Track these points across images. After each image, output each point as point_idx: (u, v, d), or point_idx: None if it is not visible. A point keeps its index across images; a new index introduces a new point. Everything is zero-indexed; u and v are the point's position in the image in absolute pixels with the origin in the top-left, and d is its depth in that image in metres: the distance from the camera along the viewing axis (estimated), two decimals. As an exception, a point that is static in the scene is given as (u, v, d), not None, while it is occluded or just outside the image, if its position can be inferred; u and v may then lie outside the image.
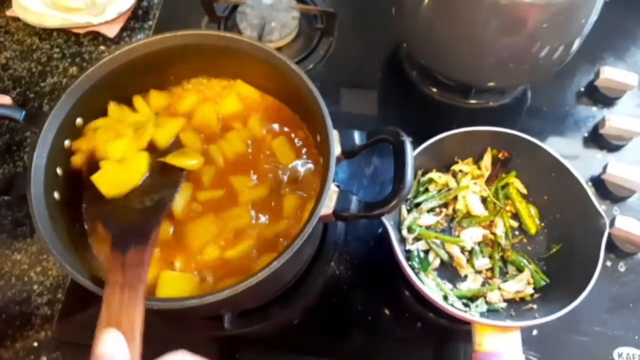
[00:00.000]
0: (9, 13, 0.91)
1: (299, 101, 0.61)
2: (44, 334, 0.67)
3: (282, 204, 0.59)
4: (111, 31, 0.89)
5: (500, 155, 0.68)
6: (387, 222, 0.61)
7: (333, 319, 0.68)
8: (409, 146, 0.52)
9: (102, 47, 0.90)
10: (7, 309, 0.68)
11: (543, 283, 0.62)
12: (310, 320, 0.68)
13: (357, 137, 0.56)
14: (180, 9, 0.93)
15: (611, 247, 0.70)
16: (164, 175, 0.56)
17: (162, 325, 0.60)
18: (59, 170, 0.55)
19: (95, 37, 0.90)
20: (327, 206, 0.52)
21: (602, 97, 0.83)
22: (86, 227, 0.58)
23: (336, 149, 0.54)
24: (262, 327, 0.67)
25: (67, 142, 0.57)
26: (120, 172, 0.55)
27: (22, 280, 0.70)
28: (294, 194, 0.59)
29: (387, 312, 0.68)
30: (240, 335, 0.66)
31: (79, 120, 0.58)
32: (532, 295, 0.62)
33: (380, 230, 0.72)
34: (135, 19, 0.92)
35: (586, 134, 0.81)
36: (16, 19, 0.91)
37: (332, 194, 0.52)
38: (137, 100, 0.63)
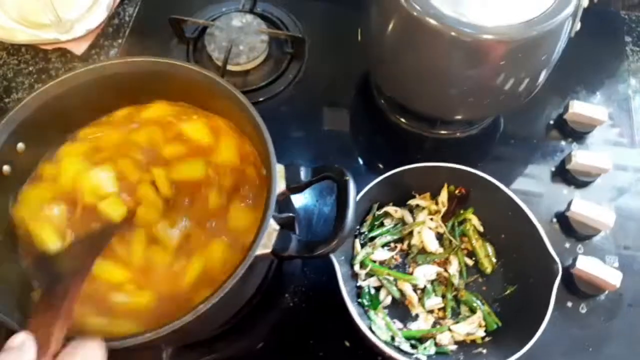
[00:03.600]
0: (-23, 27, 0.91)
1: (250, 134, 0.60)
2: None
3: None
4: (79, 49, 0.88)
5: (457, 192, 0.66)
6: (337, 257, 0.59)
7: (284, 353, 0.66)
8: (352, 187, 0.51)
9: (70, 65, 0.89)
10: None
11: (495, 326, 0.61)
12: (260, 354, 0.66)
13: (303, 173, 0.54)
14: (150, 29, 0.92)
15: (572, 287, 0.69)
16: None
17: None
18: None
19: (64, 53, 0.89)
20: (266, 245, 0.50)
21: (571, 131, 0.81)
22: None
23: (280, 185, 0.53)
24: (206, 360, 0.65)
25: (6, 168, 0.55)
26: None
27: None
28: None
29: (340, 347, 0.66)
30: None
31: (20, 145, 0.56)
32: (483, 338, 0.61)
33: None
34: (105, 37, 0.92)
35: (553, 168, 0.79)
36: (-16, 34, 0.90)
37: (271, 232, 0.51)
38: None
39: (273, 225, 0.51)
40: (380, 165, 0.80)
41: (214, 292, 0.47)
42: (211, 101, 0.63)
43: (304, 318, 0.68)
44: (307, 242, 0.51)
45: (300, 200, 0.76)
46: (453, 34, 0.58)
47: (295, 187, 0.54)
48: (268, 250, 0.50)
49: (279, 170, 0.54)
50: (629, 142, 0.82)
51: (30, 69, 0.88)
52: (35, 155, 0.60)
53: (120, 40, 0.91)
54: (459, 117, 0.74)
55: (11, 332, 0.38)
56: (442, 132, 0.81)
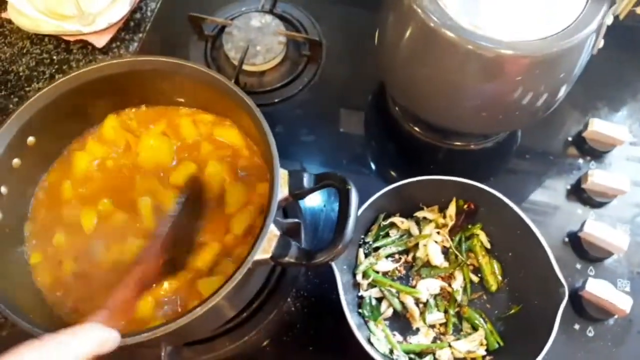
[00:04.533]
0: (4, 15, 0.93)
1: (256, 136, 0.59)
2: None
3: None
4: (99, 41, 0.89)
5: (465, 207, 0.65)
6: (339, 266, 0.59)
7: (281, 357, 0.66)
8: (354, 196, 0.50)
9: (91, 57, 0.90)
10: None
11: (497, 345, 0.59)
12: (258, 356, 0.66)
13: (306, 180, 0.54)
14: (170, 25, 0.93)
15: (581, 310, 0.67)
16: None
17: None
18: (3, 189, 0.55)
19: (85, 45, 0.91)
20: (266, 250, 0.50)
21: (589, 149, 0.79)
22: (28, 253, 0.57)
23: (282, 191, 0.53)
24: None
25: (15, 161, 0.56)
26: None
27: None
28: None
29: (338, 355, 0.66)
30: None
31: (30, 139, 0.57)
32: (484, 357, 0.59)
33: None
34: (126, 31, 0.93)
35: (569, 187, 0.77)
36: (10, 21, 0.92)
37: (271, 237, 0.50)
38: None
39: (274, 231, 0.51)
40: (392, 173, 0.79)
41: (211, 295, 0.47)
42: (218, 104, 0.63)
43: (304, 323, 0.68)
44: (307, 250, 0.51)
45: (307, 204, 0.76)
46: (470, 47, 0.56)
47: (298, 193, 0.54)
48: (267, 256, 0.50)
49: (283, 175, 0.54)
50: (649, 164, 0.79)
51: (53, 59, 0.90)
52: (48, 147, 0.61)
53: (141, 35, 0.92)
54: (472, 130, 0.73)
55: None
56: (456, 143, 0.80)
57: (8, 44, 0.91)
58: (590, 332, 0.66)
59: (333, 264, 0.57)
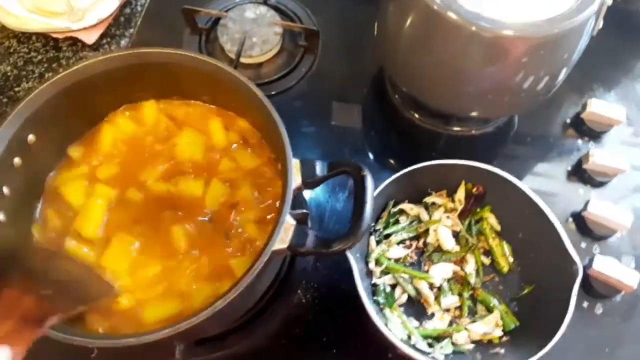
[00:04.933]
0: (-12, 15, 0.90)
1: (264, 126, 0.59)
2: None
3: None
4: (89, 38, 0.87)
5: (474, 190, 0.65)
6: (353, 254, 0.58)
7: (296, 350, 0.66)
8: (369, 182, 0.50)
9: (81, 54, 0.88)
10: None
11: (513, 326, 0.60)
12: (272, 351, 0.66)
13: (319, 168, 0.53)
14: (162, 19, 0.91)
15: (588, 288, 0.68)
16: None
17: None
18: (5, 190, 0.53)
19: (74, 42, 0.88)
20: (282, 240, 0.49)
21: (588, 130, 0.80)
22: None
23: (296, 179, 0.52)
24: (220, 357, 0.65)
25: (16, 160, 0.54)
26: None
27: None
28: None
29: (352, 345, 0.65)
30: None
31: (31, 137, 0.55)
32: (500, 338, 0.60)
33: (345, 262, 0.69)
34: (116, 26, 0.90)
35: (569, 168, 0.78)
36: (-5, 21, 0.89)
37: (288, 227, 0.50)
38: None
39: (289, 221, 0.50)
40: (393, 162, 0.79)
41: (232, 287, 0.46)
42: (224, 95, 0.62)
43: (316, 315, 0.67)
44: (324, 238, 0.50)
45: (311, 196, 0.75)
46: (473, 29, 0.56)
47: (310, 181, 0.53)
48: (284, 246, 0.49)
49: (295, 164, 0.53)
50: (645, 143, 0.81)
51: (41, 57, 0.87)
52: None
53: (131, 30, 0.90)
54: (475, 114, 0.73)
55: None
56: (457, 129, 0.80)
57: (-6, 44, 0.88)
58: (599, 310, 0.67)
59: (348, 253, 0.57)
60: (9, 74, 0.85)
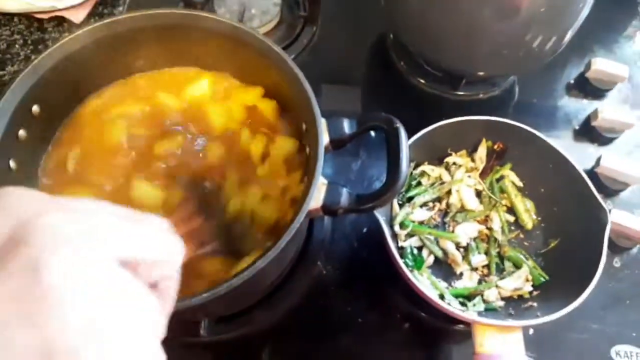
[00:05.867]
0: (-37, -3, 0.84)
1: (280, 88, 0.56)
2: None
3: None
4: (77, 17, 0.83)
5: (495, 147, 0.65)
6: (380, 216, 0.56)
7: (320, 322, 0.64)
8: (403, 134, 0.48)
9: (67, 34, 0.83)
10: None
11: (542, 280, 0.59)
12: (296, 324, 0.64)
13: (347, 126, 0.51)
14: (153, -6, 0.87)
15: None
16: None
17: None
18: (12, 163, 0.49)
19: (60, 22, 0.84)
20: (316, 200, 0.47)
21: (592, 90, 0.81)
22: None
23: (325, 138, 0.50)
24: (243, 333, 0.62)
25: (21, 132, 0.50)
26: None
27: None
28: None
29: (377, 313, 0.64)
30: (218, 341, 0.61)
31: (35, 108, 0.52)
32: (530, 292, 0.59)
33: (365, 230, 0.68)
34: (103, 5, 0.86)
35: (577, 127, 0.78)
36: (-28, 4, 0.84)
37: (320, 186, 0.48)
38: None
39: (322, 180, 0.48)
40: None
41: (270, 247, 0.44)
42: (237, 62, 0.59)
43: (338, 286, 0.65)
44: (357, 195, 0.48)
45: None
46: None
47: (339, 139, 0.51)
48: (319, 205, 0.47)
49: (322, 124, 0.51)
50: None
51: (26, 39, 0.82)
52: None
53: (121, 8, 0.86)
54: (485, 73, 0.72)
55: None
56: (465, 93, 0.79)
57: (-28, 28, 0.83)
58: (617, 263, 0.68)
59: (377, 214, 0.55)
60: (-9, 57, 0.80)
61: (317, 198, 0.47)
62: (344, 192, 0.48)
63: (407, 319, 0.63)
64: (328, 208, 0.48)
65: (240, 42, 0.55)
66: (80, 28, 0.82)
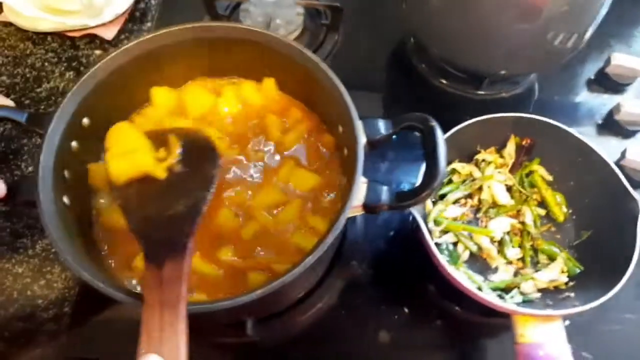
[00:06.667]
0: (0, 18, 0.88)
1: (315, 93, 0.58)
2: (51, 351, 0.63)
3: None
4: (108, 33, 0.86)
5: (523, 142, 0.66)
6: (417, 214, 0.58)
7: (357, 320, 0.65)
8: (439, 132, 0.50)
9: (98, 51, 0.87)
10: (10, 326, 0.64)
11: (577, 271, 0.60)
12: (334, 323, 0.65)
13: (383, 126, 0.53)
14: (179, 9, 0.90)
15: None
16: (193, 174, 0.51)
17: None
18: (66, 173, 0.52)
19: (92, 40, 0.87)
20: (357, 198, 0.49)
21: (613, 84, 0.82)
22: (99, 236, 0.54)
23: (362, 139, 0.52)
24: (283, 333, 0.64)
25: (74, 144, 0.53)
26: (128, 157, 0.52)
27: (24, 295, 0.66)
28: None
29: (413, 309, 0.65)
30: (259, 342, 0.63)
31: (85, 120, 0.54)
32: (566, 283, 0.60)
33: (397, 228, 0.69)
34: (132, 21, 0.89)
35: (600, 121, 0.80)
36: (8, 24, 0.88)
37: (361, 185, 0.49)
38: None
39: (362, 178, 0.50)
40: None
41: (317, 245, 0.46)
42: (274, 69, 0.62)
43: (373, 284, 0.67)
44: (397, 193, 0.50)
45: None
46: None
47: (376, 140, 0.53)
48: (360, 203, 0.49)
49: (359, 124, 0.53)
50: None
51: (60, 57, 0.85)
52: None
53: (149, 24, 0.89)
54: (506, 72, 0.74)
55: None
56: (488, 92, 0.81)
57: (8, 47, 0.86)
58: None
59: (414, 211, 0.57)
60: (27, 75, 0.84)
61: (358, 196, 0.49)
62: (384, 190, 0.50)
63: (443, 313, 0.64)
64: (369, 206, 0.49)
65: (278, 53, 0.58)
66: (112, 45, 0.87)
